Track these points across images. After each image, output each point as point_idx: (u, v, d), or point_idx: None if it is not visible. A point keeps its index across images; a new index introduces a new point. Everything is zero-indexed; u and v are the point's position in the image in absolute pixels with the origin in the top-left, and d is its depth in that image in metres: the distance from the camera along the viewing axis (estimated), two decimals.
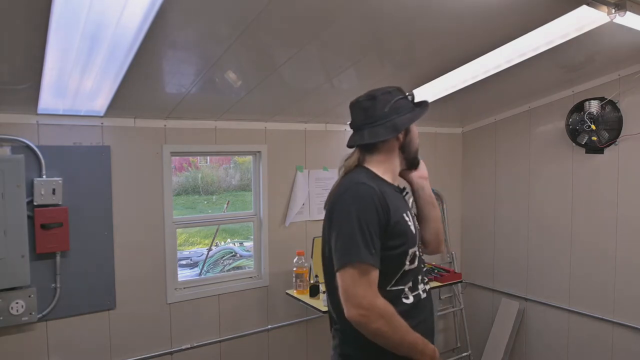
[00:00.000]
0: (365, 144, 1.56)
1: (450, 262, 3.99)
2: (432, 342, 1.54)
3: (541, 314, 3.49)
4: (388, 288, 1.46)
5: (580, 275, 3.22)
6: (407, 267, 1.48)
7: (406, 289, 1.49)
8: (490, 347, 3.70)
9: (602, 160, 3.07)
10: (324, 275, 1.56)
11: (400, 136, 1.57)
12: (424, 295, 1.55)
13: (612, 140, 2.98)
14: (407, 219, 1.51)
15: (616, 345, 3.03)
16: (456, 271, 3.53)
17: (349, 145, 1.62)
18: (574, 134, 3.14)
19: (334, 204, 1.47)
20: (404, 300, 1.48)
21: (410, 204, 1.68)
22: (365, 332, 1.36)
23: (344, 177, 1.56)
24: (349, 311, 1.35)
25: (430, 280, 3.05)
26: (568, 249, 3.28)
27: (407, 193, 1.66)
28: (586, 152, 3.13)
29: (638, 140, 2.88)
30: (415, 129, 1.64)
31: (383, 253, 1.42)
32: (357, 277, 1.35)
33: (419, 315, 1.51)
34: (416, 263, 1.51)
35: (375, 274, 1.38)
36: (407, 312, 1.45)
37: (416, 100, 1.63)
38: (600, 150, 3.05)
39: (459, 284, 3.80)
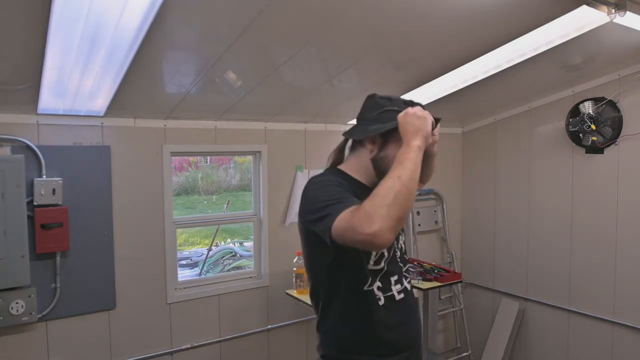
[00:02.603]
0: (353, 140, 1.55)
1: (450, 262, 3.99)
2: (419, 343, 1.53)
3: (541, 314, 3.49)
4: (365, 288, 1.43)
5: (581, 275, 3.22)
6: (371, 266, 1.43)
7: (376, 290, 1.44)
8: (490, 347, 3.70)
9: (602, 160, 3.07)
10: (308, 277, 1.55)
11: (370, 146, 1.46)
12: (399, 297, 1.49)
13: (612, 140, 2.98)
14: None
15: (616, 345, 3.03)
16: (456, 271, 3.53)
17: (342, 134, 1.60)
18: (574, 134, 3.13)
19: (303, 202, 1.43)
20: (378, 303, 1.44)
21: None
22: (399, 223, 1.20)
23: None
24: (374, 238, 1.16)
25: (430, 280, 3.04)
26: (568, 249, 3.28)
27: None
28: (586, 152, 3.13)
29: (638, 140, 2.88)
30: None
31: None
32: (346, 218, 1.21)
33: (395, 318, 1.46)
34: (382, 264, 1.45)
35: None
36: (377, 313, 1.42)
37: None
38: (600, 150, 3.05)
39: (459, 284, 3.81)
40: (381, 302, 1.45)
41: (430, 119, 1.36)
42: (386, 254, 1.47)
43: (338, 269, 1.43)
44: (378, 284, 1.45)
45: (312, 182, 1.44)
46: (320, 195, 1.34)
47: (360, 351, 1.42)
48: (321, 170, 3.13)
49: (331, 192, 1.33)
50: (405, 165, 1.26)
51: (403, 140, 1.33)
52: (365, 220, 1.16)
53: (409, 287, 1.56)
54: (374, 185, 1.50)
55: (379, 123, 1.44)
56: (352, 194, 1.34)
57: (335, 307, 1.45)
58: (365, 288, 1.43)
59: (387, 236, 1.17)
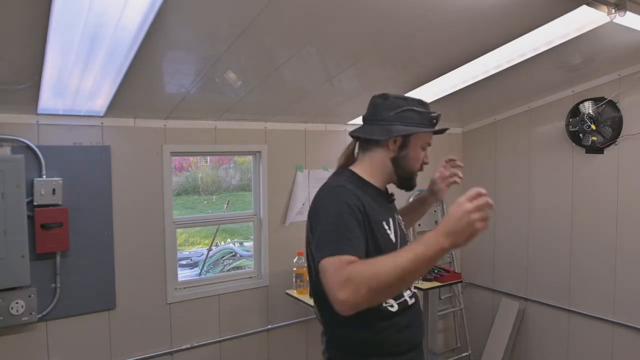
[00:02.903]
0: (362, 140, 1.55)
1: (450, 262, 3.99)
2: (421, 343, 1.55)
3: (541, 314, 3.49)
4: None
5: (580, 275, 3.22)
6: None
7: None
8: (490, 347, 3.70)
9: (602, 160, 3.07)
10: (309, 281, 1.55)
11: (392, 146, 1.49)
12: (411, 302, 1.51)
13: (612, 140, 2.97)
14: (386, 227, 1.45)
15: (616, 345, 3.03)
16: (456, 271, 3.53)
17: (350, 134, 1.59)
18: (574, 134, 3.13)
19: (314, 208, 1.44)
20: (389, 309, 1.44)
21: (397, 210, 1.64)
22: (368, 305, 1.18)
23: (329, 178, 1.55)
24: (337, 304, 1.17)
25: (430, 280, 3.05)
26: (568, 249, 3.28)
27: (394, 200, 1.61)
28: (586, 152, 3.13)
29: (638, 140, 2.88)
30: (419, 153, 1.52)
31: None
32: (334, 267, 1.20)
33: (405, 321, 1.48)
34: None
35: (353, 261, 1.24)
36: (391, 320, 1.44)
37: (437, 125, 1.53)
38: (600, 150, 3.05)
39: (459, 284, 3.80)
40: (394, 309, 1.45)
41: (480, 230, 1.12)
42: None
43: None
44: None
45: (327, 192, 1.42)
46: (329, 216, 1.33)
47: (368, 353, 1.43)
48: (321, 170, 3.13)
49: (340, 221, 1.30)
50: (418, 264, 1.13)
51: (438, 225, 1.15)
52: (343, 284, 1.14)
53: (415, 291, 1.59)
54: (384, 185, 1.54)
55: (398, 123, 1.46)
56: (363, 213, 1.34)
57: None
58: None
59: (349, 311, 1.16)
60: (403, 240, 1.53)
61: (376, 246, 1.39)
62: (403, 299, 1.49)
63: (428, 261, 1.14)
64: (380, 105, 1.51)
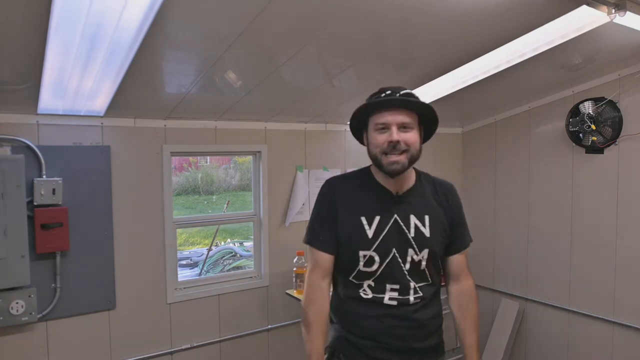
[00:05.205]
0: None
1: None
2: (413, 348, 1.57)
3: (541, 314, 3.49)
4: (350, 278, 1.61)
5: (580, 275, 3.22)
6: (361, 267, 1.56)
7: (365, 286, 1.58)
8: (490, 347, 3.70)
9: (602, 160, 3.06)
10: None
11: (365, 141, 1.62)
12: (391, 303, 1.55)
13: (612, 140, 2.97)
14: (364, 222, 1.56)
15: (616, 345, 3.03)
16: None
17: None
18: (574, 134, 3.13)
19: None
20: (362, 294, 1.59)
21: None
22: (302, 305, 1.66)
23: None
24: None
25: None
26: (568, 249, 3.28)
27: (402, 199, 1.59)
28: (586, 152, 3.13)
29: (638, 140, 2.88)
30: (375, 137, 1.52)
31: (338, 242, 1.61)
32: (309, 252, 1.68)
33: (375, 311, 1.56)
34: (375, 268, 1.55)
35: (321, 256, 1.63)
36: (359, 302, 1.58)
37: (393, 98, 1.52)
38: (600, 150, 3.05)
39: None
40: (368, 296, 1.58)
41: None
42: (379, 258, 1.55)
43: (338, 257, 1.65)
44: (369, 282, 1.58)
45: (322, 186, 1.71)
46: (313, 209, 1.71)
47: (342, 324, 1.66)
48: (321, 170, 3.17)
49: (315, 212, 1.69)
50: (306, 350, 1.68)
51: None
52: (306, 294, 1.72)
53: (412, 300, 1.56)
54: (389, 181, 1.59)
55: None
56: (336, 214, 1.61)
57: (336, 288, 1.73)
58: (350, 278, 1.61)
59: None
60: (389, 242, 1.55)
61: (344, 234, 1.59)
62: (381, 296, 1.56)
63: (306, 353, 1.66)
64: None
